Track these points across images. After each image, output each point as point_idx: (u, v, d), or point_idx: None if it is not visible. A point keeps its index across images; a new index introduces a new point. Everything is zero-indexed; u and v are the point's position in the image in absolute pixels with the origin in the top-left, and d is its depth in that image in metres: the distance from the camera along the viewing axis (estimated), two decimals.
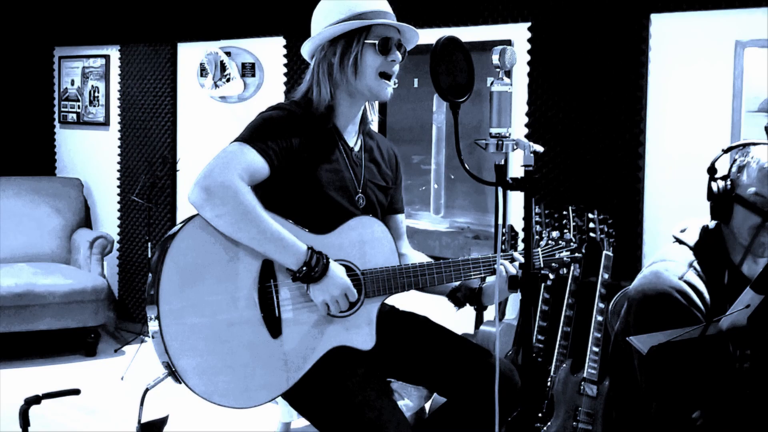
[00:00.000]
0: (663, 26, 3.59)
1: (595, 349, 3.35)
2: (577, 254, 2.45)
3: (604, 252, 3.42)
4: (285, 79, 4.81)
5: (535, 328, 3.56)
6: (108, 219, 5.89)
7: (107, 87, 5.85)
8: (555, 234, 2.48)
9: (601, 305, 3.37)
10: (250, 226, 2.08)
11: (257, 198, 2.18)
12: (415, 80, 4.25)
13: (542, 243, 2.46)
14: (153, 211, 5.35)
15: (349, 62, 2.25)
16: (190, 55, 5.35)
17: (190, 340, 2.07)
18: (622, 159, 3.65)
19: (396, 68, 2.31)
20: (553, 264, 2.42)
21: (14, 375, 4.76)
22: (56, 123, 6.20)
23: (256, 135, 2.16)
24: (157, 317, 2.05)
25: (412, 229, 4.32)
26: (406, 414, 2.52)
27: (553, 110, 3.85)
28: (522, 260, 2.31)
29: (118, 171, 5.75)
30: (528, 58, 3.90)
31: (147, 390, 2.30)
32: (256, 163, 2.13)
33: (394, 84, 2.33)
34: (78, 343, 5.19)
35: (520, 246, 3.64)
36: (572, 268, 3.42)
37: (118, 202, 5.77)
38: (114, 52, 5.80)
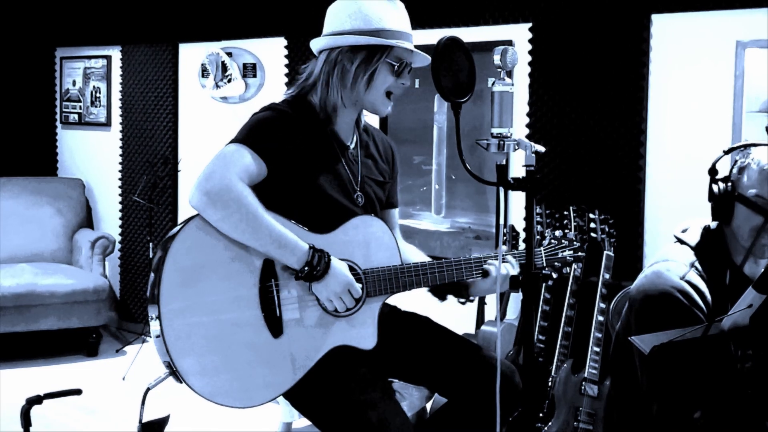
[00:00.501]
0: (664, 27, 3.59)
1: (596, 349, 3.35)
2: (580, 253, 2.46)
3: (605, 252, 3.43)
4: (286, 79, 4.81)
5: (536, 328, 3.56)
6: (109, 219, 5.90)
7: (108, 87, 5.85)
8: (558, 233, 2.49)
9: (602, 305, 3.37)
10: (252, 227, 2.08)
11: (257, 199, 2.19)
12: (417, 81, 4.25)
13: (545, 242, 2.46)
14: (154, 211, 5.36)
15: (364, 75, 2.24)
16: (192, 55, 5.36)
17: (191, 340, 2.08)
18: (622, 159, 3.66)
19: (401, 91, 2.31)
20: (556, 263, 2.43)
21: (16, 375, 4.77)
22: (58, 123, 6.21)
23: (251, 136, 2.16)
24: (159, 317, 2.05)
25: (413, 229, 4.33)
26: (407, 414, 2.52)
27: (554, 110, 3.85)
28: (512, 262, 2.31)
29: (120, 171, 5.76)
30: (529, 58, 3.90)
31: (148, 390, 2.31)
32: (253, 164, 2.13)
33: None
34: (79, 344, 5.19)
35: (522, 246, 3.64)
36: (573, 268, 3.43)
37: (120, 203, 5.77)
38: (115, 53, 5.80)
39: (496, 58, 1.95)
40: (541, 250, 2.42)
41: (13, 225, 5.49)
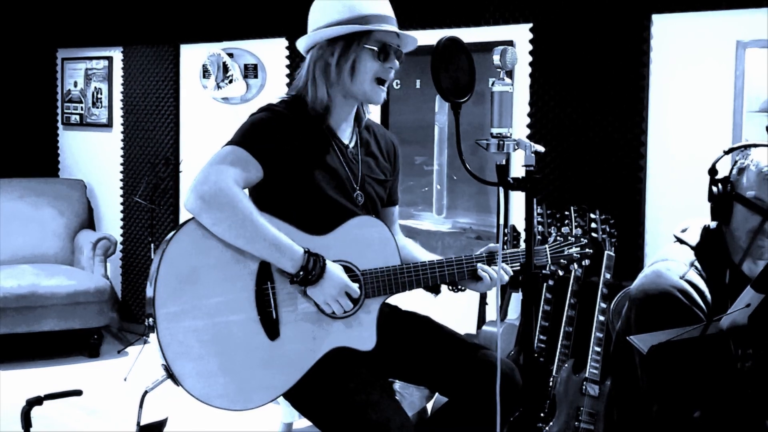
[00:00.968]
0: (664, 27, 3.59)
1: (597, 348, 3.36)
2: (587, 250, 2.46)
3: (606, 252, 3.43)
4: (287, 80, 4.82)
5: (538, 328, 3.56)
6: (111, 220, 5.91)
7: (110, 88, 5.86)
8: (565, 230, 2.49)
9: (603, 305, 3.37)
10: (246, 231, 2.08)
11: (255, 201, 2.19)
12: (418, 81, 4.25)
13: (550, 239, 2.46)
14: (156, 212, 5.37)
15: (346, 65, 2.24)
16: (193, 56, 5.36)
17: (187, 344, 2.07)
18: (623, 159, 3.66)
19: (392, 75, 2.30)
20: (562, 260, 2.43)
21: (17, 376, 4.77)
22: (59, 124, 6.22)
23: (247, 138, 2.16)
24: (155, 321, 2.06)
25: (414, 229, 4.33)
26: (408, 414, 2.52)
27: (555, 111, 3.85)
28: (505, 268, 2.31)
29: (121, 172, 5.76)
30: (530, 58, 3.91)
31: (146, 392, 2.31)
32: (250, 166, 2.13)
33: (396, 85, 2.33)
34: (81, 344, 5.20)
35: (522, 246, 3.64)
36: (574, 269, 3.44)
37: (121, 204, 5.78)
38: (117, 54, 5.81)
39: (496, 58, 1.95)
40: (546, 248, 2.42)
41: (15, 226, 5.50)
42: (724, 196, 2.30)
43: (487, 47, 2.07)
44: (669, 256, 2.40)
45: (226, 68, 5.06)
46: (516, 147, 1.94)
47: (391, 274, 2.23)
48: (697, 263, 2.34)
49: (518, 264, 2.35)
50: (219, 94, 5.11)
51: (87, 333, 5.16)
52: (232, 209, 2.06)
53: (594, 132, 3.74)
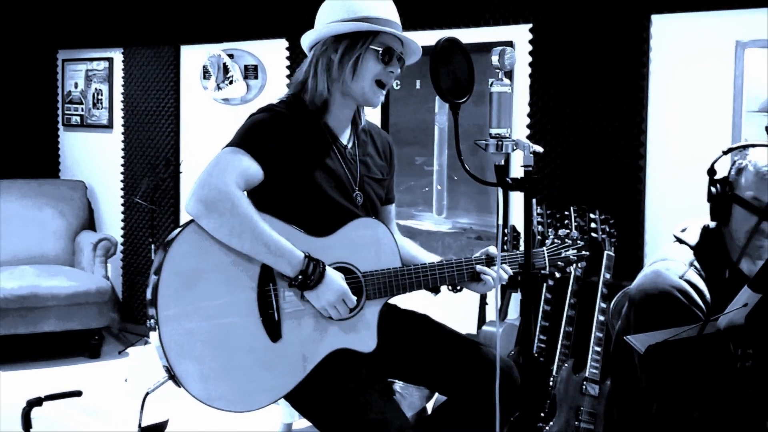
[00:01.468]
0: (664, 27, 3.59)
1: (597, 348, 3.36)
2: (584, 252, 2.46)
3: (606, 252, 3.43)
4: (288, 81, 4.82)
5: (538, 328, 3.56)
6: (112, 221, 5.91)
7: (110, 90, 5.87)
8: (562, 232, 2.49)
9: (603, 305, 3.37)
10: (247, 235, 2.08)
11: (255, 202, 2.19)
12: (417, 82, 4.26)
13: (547, 242, 2.47)
14: (156, 213, 5.37)
15: (349, 63, 2.24)
16: (193, 57, 5.37)
17: (189, 345, 2.07)
18: (623, 159, 3.66)
19: (392, 80, 2.31)
20: (560, 263, 2.43)
21: (18, 377, 4.78)
22: (60, 126, 6.23)
23: (247, 139, 2.16)
24: (157, 322, 2.06)
25: (414, 230, 4.33)
26: (407, 414, 2.53)
27: (554, 111, 3.86)
28: (506, 269, 2.31)
29: (122, 173, 5.77)
30: (529, 59, 3.91)
31: (147, 394, 2.31)
32: (250, 168, 2.13)
33: (397, 86, 2.34)
34: (82, 345, 5.20)
35: (522, 246, 3.65)
36: (574, 268, 3.44)
37: (122, 205, 5.78)
38: (117, 55, 5.82)
39: (495, 59, 1.96)
40: (543, 251, 2.42)
41: (16, 227, 5.51)
42: (723, 196, 2.30)
43: (487, 48, 2.08)
44: (668, 256, 2.40)
45: (226, 69, 5.06)
46: (515, 147, 1.95)
47: (392, 275, 2.24)
48: (696, 263, 2.35)
49: (517, 266, 2.36)
50: (219, 95, 5.12)
51: (88, 334, 5.16)
52: (232, 213, 2.06)
53: (594, 132, 3.74)
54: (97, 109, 5.96)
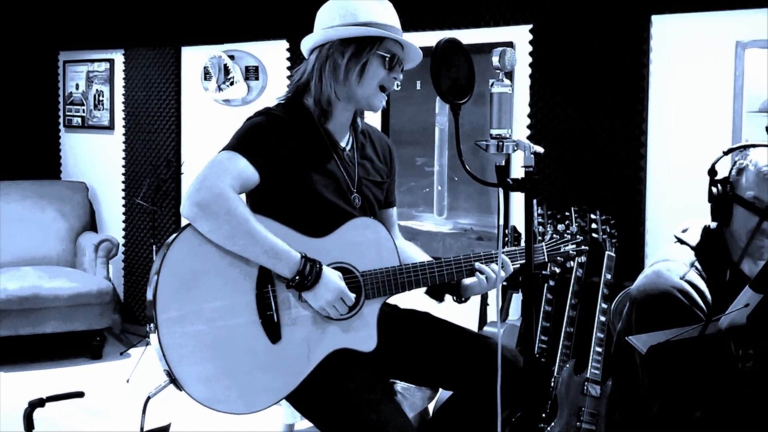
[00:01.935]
0: (664, 27, 3.60)
1: (598, 349, 3.36)
2: (583, 247, 2.46)
3: (607, 252, 3.43)
4: (288, 82, 4.83)
5: (539, 329, 3.56)
6: (113, 222, 5.92)
7: (111, 91, 5.87)
8: (560, 227, 2.49)
9: (604, 305, 3.38)
10: (243, 237, 2.08)
11: (252, 204, 2.19)
12: (418, 82, 4.26)
13: (546, 237, 2.47)
14: (157, 214, 5.37)
15: (356, 68, 2.25)
16: (194, 58, 5.38)
17: (189, 348, 2.07)
18: (623, 160, 3.66)
19: (395, 85, 2.32)
20: (559, 258, 2.43)
21: (20, 378, 4.78)
22: (61, 127, 6.23)
23: (244, 142, 2.16)
24: (156, 326, 2.06)
25: (415, 230, 4.34)
26: (409, 415, 2.53)
27: (555, 112, 3.86)
28: (506, 260, 2.31)
29: (123, 174, 5.78)
30: (530, 60, 3.91)
31: (149, 398, 2.30)
32: (246, 171, 2.13)
33: (397, 87, 2.35)
34: (84, 346, 5.21)
35: (522, 244, 3.65)
36: (575, 269, 3.44)
37: (123, 206, 5.79)
38: (118, 56, 5.82)
39: (495, 60, 1.96)
40: (542, 246, 2.42)
41: (17, 228, 5.51)
42: (724, 196, 2.30)
43: (487, 49, 2.08)
44: (669, 256, 2.40)
45: (227, 70, 5.07)
46: (515, 148, 1.95)
47: (391, 274, 2.24)
48: (697, 263, 2.35)
49: (517, 263, 2.36)
50: (220, 96, 5.12)
51: (89, 335, 5.17)
52: (228, 216, 2.07)
53: (594, 133, 3.74)
54: (98, 110, 5.96)
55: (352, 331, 2.21)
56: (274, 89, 4.95)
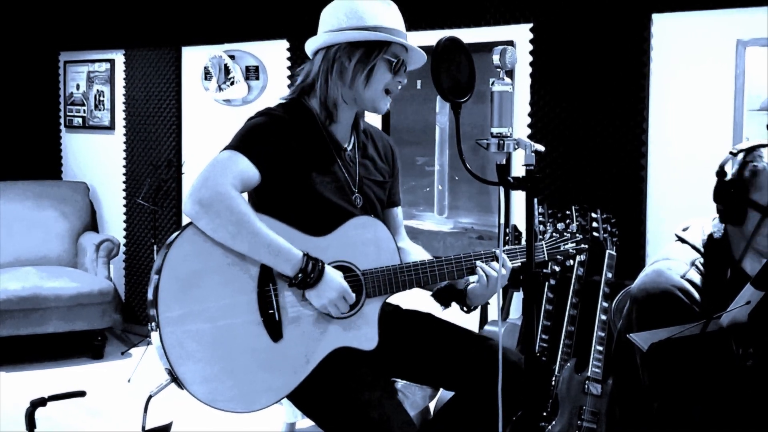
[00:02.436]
0: (664, 26, 3.60)
1: (599, 348, 3.36)
2: (583, 245, 2.46)
3: (608, 251, 3.43)
4: (289, 81, 4.83)
5: (540, 328, 3.56)
6: (114, 222, 5.92)
7: (112, 91, 5.88)
8: (560, 225, 2.49)
9: (605, 304, 3.38)
10: (245, 236, 2.08)
11: (254, 203, 2.19)
12: (419, 82, 4.26)
13: (546, 236, 2.47)
14: (159, 214, 5.38)
15: (363, 71, 2.25)
16: (194, 58, 5.38)
17: (190, 347, 2.08)
18: (624, 158, 3.66)
19: (398, 88, 2.32)
20: (558, 256, 2.43)
21: (22, 378, 4.79)
22: (62, 127, 6.24)
23: (245, 141, 2.17)
24: (157, 325, 2.06)
25: (416, 230, 4.34)
26: (410, 413, 2.53)
27: (555, 110, 3.86)
28: (505, 259, 2.31)
29: (124, 174, 5.78)
30: (530, 58, 3.91)
31: (150, 397, 2.31)
32: (247, 170, 2.13)
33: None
34: (85, 346, 5.21)
35: (523, 243, 3.65)
36: (576, 268, 3.44)
37: (124, 206, 5.79)
38: (119, 57, 5.82)
39: (496, 58, 1.96)
40: (542, 244, 2.42)
41: (18, 228, 5.52)
42: (737, 198, 2.27)
43: (488, 48, 2.09)
44: (670, 255, 2.40)
45: (227, 70, 5.07)
46: (516, 146, 1.95)
47: (391, 273, 2.24)
48: (698, 262, 2.34)
49: (518, 262, 2.35)
50: (221, 96, 5.13)
51: (91, 335, 5.17)
52: (230, 214, 2.07)
53: (595, 131, 3.74)
54: (99, 110, 5.97)
55: (353, 329, 2.21)
56: (275, 89, 4.95)
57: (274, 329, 2.14)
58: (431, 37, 4.07)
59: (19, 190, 5.67)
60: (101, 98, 5.94)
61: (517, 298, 3.86)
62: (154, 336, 2.08)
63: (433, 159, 4.32)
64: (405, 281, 2.25)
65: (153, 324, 2.07)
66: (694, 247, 2.40)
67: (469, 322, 3.85)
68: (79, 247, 5.58)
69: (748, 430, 2.18)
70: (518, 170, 3.79)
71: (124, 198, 5.78)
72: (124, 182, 5.78)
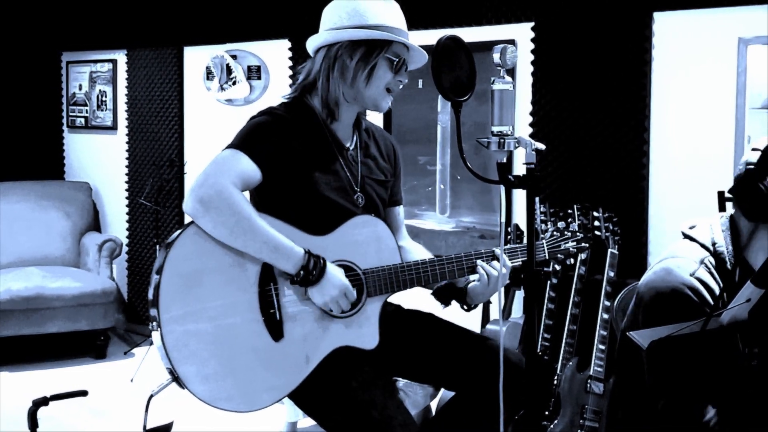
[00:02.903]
0: (666, 24, 3.59)
1: (601, 346, 3.36)
2: (583, 244, 2.46)
3: (610, 250, 3.43)
4: (291, 81, 4.83)
5: (541, 327, 3.56)
6: (116, 222, 5.93)
7: (114, 91, 5.88)
8: (561, 224, 2.49)
9: (607, 303, 3.37)
10: (246, 233, 2.09)
11: (256, 202, 2.19)
12: (420, 81, 4.26)
13: (546, 234, 2.47)
14: (161, 213, 5.39)
15: (364, 71, 2.25)
16: (197, 58, 5.38)
17: (191, 346, 2.08)
18: (626, 157, 3.66)
19: (399, 87, 2.33)
20: (559, 255, 2.43)
21: (25, 377, 4.80)
22: (64, 127, 6.25)
23: (246, 140, 2.17)
24: (158, 324, 2.07)
25: (418, 229, 4.34)
26: (411, 412, 2.53)
27: (557, 109, 3.86)
28: (505, 260, 2.31)
29: (126, 174, 5.79)
30: (532, 57, 3.91)
31: (151, 396, 2.31)
32: (249, 169, 2.14)
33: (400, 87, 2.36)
34: (88, 346, 5.22)
35: (524, 242, 3.64)
36: (578, 266, 3.44)
37: (127, 206, 5.80)
38: (121, 57, 5.83)
39: (496, 57, 1.96)
40: (543, 243, 2.42)
41: (21, 228, 5.52)
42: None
43: (489, 47, 2.08)
44: (678, 253, 2.38)
45: (229, 70, 5.07)
46: (517, 145, 1.95)
47: (392, 272, 2.24)
48: (707, 260, 2.33)
49: (519, 261, 2.35)
50: (223, 96, 5.13)
51: (93, 334, 5.18)
52: (231, 212, 2.07)
53: (596, 130, 3.74)
54: (101, 110, 5.97)
55: (354, 328, 2.21)
56: (277, 89, 4.96)
57: (275, 328, 2.14)
58: (432, 36, 4.07)
59: (22, 191, 5.68)
60: (103, 98, 5.95)
61: (519, 297, 3.86)
62: (155, 335, 2.08)
63: (435, 158, 4.32)
64: (406, 280, 2.25)
65: (154, 323, 2.08)
66: (703, 246, 2.39)
67: (471, 321, 3.85)
68: (82, 247, 5.59)
69: (752, 430, 2.17)
70: (520, 169, 3.79)
71: (127, 198, 5.79)
72: (126, 182, 5.79)
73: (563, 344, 3.48)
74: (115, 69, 5.87)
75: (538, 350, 3.51)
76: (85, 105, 6.07)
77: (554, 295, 3.56)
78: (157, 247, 5.18)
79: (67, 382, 4.65)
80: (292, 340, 2.15)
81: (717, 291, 2.27)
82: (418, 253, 2.46)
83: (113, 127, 5.92)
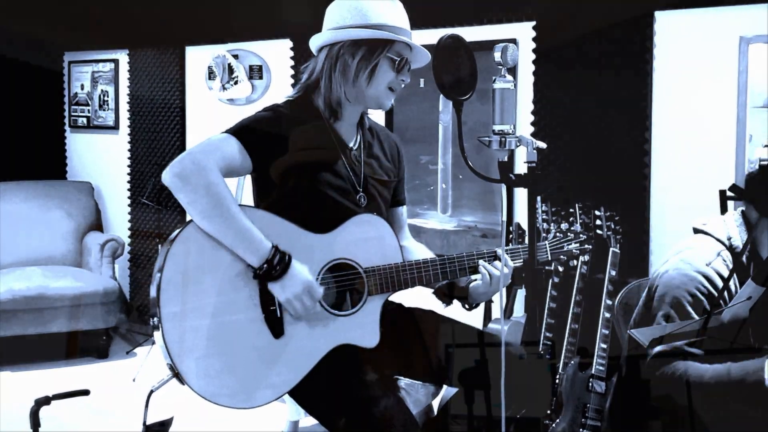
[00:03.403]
0: (667, 23, 3.59)
1: (603, 345, 3.36)
2: (586, 245, 2.46)
3: (611, 249, 3.43)
4: (292, 81, 4.83)
5: (543, 326, 3.56)
6: (118, 222, 5.93)
7: (116, 91, 5.89)
8: (564, 226, 2.49)
9: (609, 302, 3.37)
10: (217, 217, 2.08)
11: (258, 201, 2.19)
12: (422, 80, 4.26)
13: (549, 236, 2.47)
14: (163, 213, 5.39)
15: (366, 69, 2.25)
16: (198, 58, 5.39)
17: (192, 343, 2.08)
18: (628, 156, 3.66)
19: (402, 86, 2.32)
20: (562, 256, 2.43)
21: (27, 377, 4.80)
22: (66, 127, 6.25)
23: (242, 129, 2.18)
24: (159, 320, 2.07)
25: (420, 228, 4.34)
26: (413, 411, 2.53)
27: (559, 108, 3.86)
28: (507, 260, 2.30)
29: (128, 174, 5.79)
30: (533, 57, 3.91)
31: (152, 392, 2.31)
32: (235, 156, 2.14)
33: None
34: (90, 345, 5.22)
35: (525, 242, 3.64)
36: (579, 266, 3.44)
37: (129, 205, 5.80)
38: (123, 57, 5.84)
39: (497, 55, 1.97)
40: (545, 244, 2.42)
41: (23, 228, 5.53)
42: None
43: (490, 46, 2.09)
44: (694, 245, 2.42)
45: (231, 70, 5.08)
46: (518, 144, 1.95)
47: (394, 271, 2.24)
48: (723, 254, 2.35)
49: (521, 260, 2.35)
50: (224, 96, 5.13)
51: (95, 334, 5.18)
52: (206, 191, 2.07)
53: (598, 129, 3.74)
54: (104, 110, 5.98)
55: (355, 326, 2.21)
56: (279, 88, 4.96)
57: (276, 326, 2.14)
58: (433, 35, 4.07)
59: (24, 190, 5.68)
60: (105, 98, 5.95)
61: (521, 296, 3.85)
62: (157, 333, 2.09)
63: (437, 157, 4.33)
64: (407, 279, 2.25)
65: (155, 319, 2.08)
66: (719, 240, 2.41)
67: (473, 319, 3.85)
68: (84, 247, 5.60)
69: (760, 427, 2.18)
70: (521, 168, 3.79)
71: (129, 198, 5.80)
72: (128, 182, 5.80)
73: (565, 343, 3.47)
74: (117, 69, 5.87)
75: (540, 349, 3.51)
76: (87, 105, 6.07)
77: (556, 294, 3.56)
78: (159, 247, 5.19)
79: (69, 382, 4.66)
80: (292, 338, 2.16)
81: (731, 283, 2.30)
82: (420, 252, 2.46)
83: (115, 127, 5.92)
